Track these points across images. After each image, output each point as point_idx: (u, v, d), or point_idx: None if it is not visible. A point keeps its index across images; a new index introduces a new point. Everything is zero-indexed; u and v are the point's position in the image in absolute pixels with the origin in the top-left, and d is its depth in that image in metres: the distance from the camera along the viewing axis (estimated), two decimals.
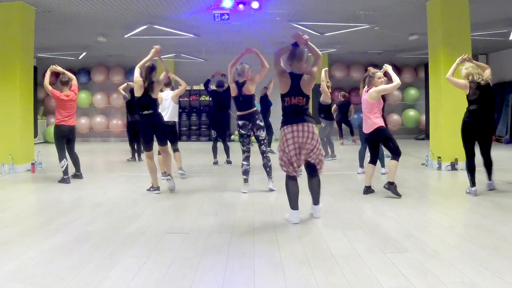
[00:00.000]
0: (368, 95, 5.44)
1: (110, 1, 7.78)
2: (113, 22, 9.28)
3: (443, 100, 7.67)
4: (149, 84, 5.68)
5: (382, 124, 5.48)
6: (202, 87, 14.97)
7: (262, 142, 5.89)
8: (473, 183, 5.45)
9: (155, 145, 5.91)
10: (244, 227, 4.15)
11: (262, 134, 5.88)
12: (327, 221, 4.33)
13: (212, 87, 8.58)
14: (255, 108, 5.90)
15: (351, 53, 14.52)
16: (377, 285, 2.72)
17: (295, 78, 4.28)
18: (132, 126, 9.26)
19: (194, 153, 11.16)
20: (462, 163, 7.45)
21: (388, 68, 5.67)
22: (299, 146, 4.21)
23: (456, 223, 4.24)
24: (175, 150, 7.15)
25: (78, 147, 7.17)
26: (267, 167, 5.88)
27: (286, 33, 9.67)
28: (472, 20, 7.81)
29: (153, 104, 5.78)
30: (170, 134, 6.91)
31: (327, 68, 8.66)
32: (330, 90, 8.83)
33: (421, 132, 14.72)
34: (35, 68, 10.45)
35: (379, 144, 5.68)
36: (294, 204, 4.30)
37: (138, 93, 5.68)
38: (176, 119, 7.29)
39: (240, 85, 5.83)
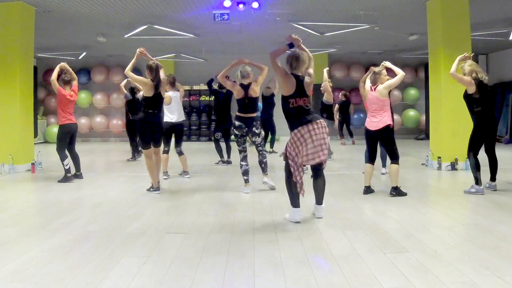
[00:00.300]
0: (378, 93, 5.45)
1: (110, 1, 7.78)
2: (113, 22, 9.28)
3: (443, 100, 7.67)
4: (158, 83, 5.73)
5: (392, 123, 5.49)
6: (202, 87, 15.01)
7: (259, 145, 5.98)
8: (480, 182, 5.47)
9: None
10: (244, 227, 4.15)
11: (258, 139, 5.93)
12: (327, 221, 4.33)
13: (214, 86, 8.57)
14: (256, 114, 5.92)
15: (351, 53, 14.51)
16: (377, 285, 2.72)
17: (299, 80, 4.31)
18: (133, 126, 9.29)
19: (194, 153, 11.16)
20: (462, 163, 7.47)
21: (388, 63, 5.72)
22: (319, 144, 4.21)
23: (456, 223, 4.24)
24: (181, 153, 7.14)
25: (78, 147, 7.18)
26: (263, 163, 5.94)
27: (286, 33, 9.66)
28: (472, 20, 7.81)
29: (161, 103, 5.87)
30: (179, 134, 7.10)
31: (328, 68, 8.67)
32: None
33: (421, 132, 14.73)
34: (35, 68, 10.47)
35: (378, 143, 5.67)
36: (296, 202, 4.32)
37: (149, 93, 5.69)
38: (184, 119, 7.32)
39: (246, 88, 5.84)
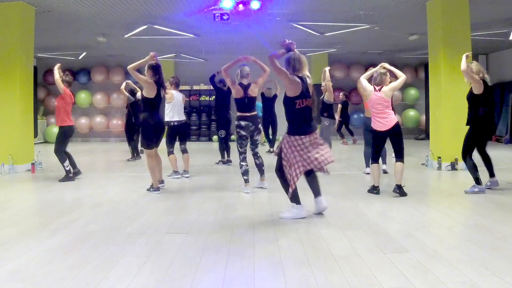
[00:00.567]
0: (384, 94, 5.49)
1: (110, 1, 7.78)
2: (113, 22, 9.28)
3: (443, 100, 7.67)
4: (162, 84, 5.79)
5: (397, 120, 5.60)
6: (202, 87, 15.04)
7: (257, 145, 6.05)
8: (481, 181, 5.48)
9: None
10: (244, 227, 4.15)
11: (258, 138, 6.05)
12: (327, 221, 4.33)
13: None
14: (256, 112, 5.98)
15: (351, 53, 14.51)
16: (377, 285, 2.73)
17: (304, 81, 4.37)
18: (133, 127, 9.33)
19: (194, 153, 11.14)
20: (462, 163, 7.43)
21: (386, 65, 5.78)
22: (320, 147, 4.35)
23: (456, 223, 4.24)
24: (185, 151, 7.23)
25: (78, 147, 7.21)
26: (263, 166, 6.02)
27: (286, 33, 9.67)
28: (472, 20, 7.81)
29: (160, 103, 5.89)
30: (185, 134, 7.28)
31: (329, 67, 8.68)
32: None
33: (421, 132, 14.73)
34: (35, 68, 10.47)
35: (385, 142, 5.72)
36: (298, 199, 4.41)
37: (151, 94, 5.67)
38: (184, 118, 7.37)
39: (245, 87, 5.86)
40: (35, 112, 10.99)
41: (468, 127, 5.64)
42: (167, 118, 6.93)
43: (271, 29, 9.92)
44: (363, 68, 14.23)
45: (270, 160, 9.19)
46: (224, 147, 8.65)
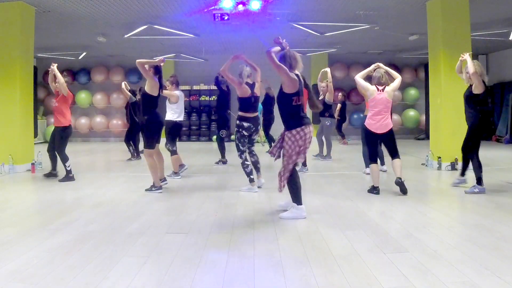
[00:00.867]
0: (388, 95, 5.57)
1: (110, 1, 7.78)
2: (113, 22, 9.28)
3: (443, 100, 7.67)
4: (161, 83, 5.87)
5: None
6: (202, 87, 15.04)
7: (253, 143, 6.11)
8: (482, 182, 5.50)
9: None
10: (244, 227, 4.15)
11: (256, 137, 6.11)
12: (327, 221, 4.33)
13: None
14: (257, 113, 6.05)
15: (351, 53, 14.51)
16: (377, 285, 2.73)
17: (300, 79, 4.43)
18: (134, 127, 9.36)
19: (194, 153, 11.16)
20: (462, 163, 7.45)
21: (382, 65, 5.87)
22: (307, 147, 4.44)
23: (456, 223, 4.24)
24: (174, 152, 7.13)
25: (78, 147, 7.20)
26: (258, 164, 6.11)
27: (286, 33, 9.68)
28: (472, 20, 7.81)
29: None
30: (180, 133, 7.34)
31: (329, 68, 8.72)
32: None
33: (421, 132, 14.73)
34: (35, 68, 10.46)
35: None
36: (300, 200, 4.45)
37: (155, 92, 5.81)
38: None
39: (251, 86, 5.88)
40: (35, 112, 10.99)
41: (467, 126, 5.65)
42: (173, 117, 7.01)
43: (271, 29, 9.92)
44: (363, 68, 14.14)
45: (269, 160, 9.20)
46: (223, 146, 8.66)
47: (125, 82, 9.30)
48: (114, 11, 8.42)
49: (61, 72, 6.98)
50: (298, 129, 4.33)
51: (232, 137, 13.87)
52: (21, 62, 7.79)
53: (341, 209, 4.82)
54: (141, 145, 7.25)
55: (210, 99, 15.05)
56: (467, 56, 5.60)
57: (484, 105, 5.46)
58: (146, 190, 5.87)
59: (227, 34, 11.04)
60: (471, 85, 5.56)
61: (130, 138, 9.58)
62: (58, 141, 6.79)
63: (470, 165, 5.70)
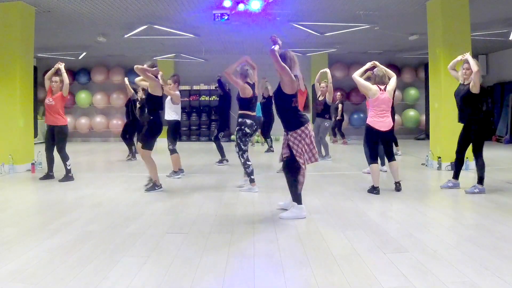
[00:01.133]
0: (389, 94, 5.64)
1: (110, 1, 7.78)
2: (113, 22, 9.28)
3: (443, 100, 7.67)
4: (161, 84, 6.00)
5: None
6: (202, 87, 15.04)
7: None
8: (483, 181, 5.50)
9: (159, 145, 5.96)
10: (244, 227, 4.15)
11: (253, 137, 6.06)
12: (327, 221, 4.33)
13: (220, 90, 8.59)
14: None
15: (351, 53, 14.51)
16: (377, 285, 2.73)
17: (297, 80, 4.42)
18: (133, 125, 9.38)
19: (194, 153, 11.16)
20: (466, 165, 7.42)
21: (378, 63, 5.98)
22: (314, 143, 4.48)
23: (456, 223, 4.24)
24: (174, 152, 7.19)
25: (78, 147, 7.21)
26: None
27: (287, 33, 9.68)
28: (472, 20, 7.81)
29: None
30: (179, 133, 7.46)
31: (328, 69, 8.73)
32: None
33: (421, 132, 14.73)
34: (35, 68, 10.45)
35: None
36: (300, 199, 4.47)
37: (159, 92, 5.91)
38: None
39: (253, 87, 5.91)
40: (35, 112, 10.98)
41: (464, 126, 5.65)
42: (176, 116, 7.18)
43: (271, 29, 9.92)
44: None
45: (269, 160, 9.21)
46: (222, 146, 8.68)
47: (126, 79, 9.30)
48: (114, 11, 8.42)
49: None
50: (303, 128, 4.34)
51: (232, 137, 13.93)
52: (21, 62, 7.79)
53: (341, 209, 4.82)
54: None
55: (210, 99, 15.04)
56: (468, 56, 5.60)
57: (482, 105, 5.49)
58: (146, 190, 5.86)
59: (227, 34, 11.03)
60: (464, 84, 5.55)
61: (127, 135, 9.57)
62: (61, 140, 6.82)
63: (463, 166, 5.75)
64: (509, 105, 13.37)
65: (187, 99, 15.08)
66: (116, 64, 15.01)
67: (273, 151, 10.44)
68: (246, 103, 5.84)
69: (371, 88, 5.63)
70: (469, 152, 5.80)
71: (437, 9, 7.75)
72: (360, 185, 6.20)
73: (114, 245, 3.59)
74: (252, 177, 5.84)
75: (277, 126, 9.42)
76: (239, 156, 5.80)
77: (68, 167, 6.77)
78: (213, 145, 8.82)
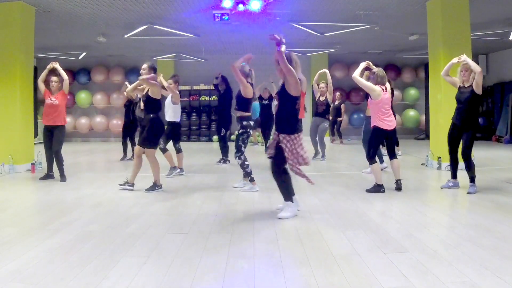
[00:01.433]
0: (389, 94, 5.71)
1: (110, 1, 7.78)
2: (113, 22, 9.28)
3: (443, 100, 7.66)
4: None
5: None
6: (202, 87, 15.04)
7: None
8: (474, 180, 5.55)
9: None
10: (244, 227, 4.15)
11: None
12: (327, 221, 4.33)
13: (223, 86, 8.56)
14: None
15: (351, 53, 14.50)
16: (377, 285, 2.73)
17: (301, 83, 4.44)
18: (133, 125, 9.41)
19: (194, 153, 11.16)
20: (462, 163, 7.41)
21: (370, 63, 6.09)
22: (302, 148, 4.46)
23: (456, 223, 4.24)
24: (180, 150, 7.45)
25: (78, 147, 7.21)
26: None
27: (287, 33, 9.66)
28: (472, 20, 7.81)
29: None
30: (179, 132, 7.64)
31: (327, 70, 8.74)
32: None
33: (421, 132, 14.73)
34: (35, 68, 10.45)
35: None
36: (292, 197, 4.49)
37: (159, 94, 5.96)
38: None
39: (253, 87, 5.93)
40: (35, 112, 10.98)
41: (458, 127, 5.66)
42: (175, 118, 7.25)
43: (271, 29, 9.91)
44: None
45: (268, 160, 9.19)
46: (226, 145, 8.64)
47: (127, 83, 9.30)
48: (114, 11, 8.42)
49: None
50: (296, 135, 4.35)
51: (232, 137, 13.91)
52: (21, 62, 7.79)
53: (341, 209, 4.82)
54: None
55: (210, 99, 15.04)
56: (465, 57, 5.60)
57: (480, 106, 5.53)
58: (146, 190, 5.87)
59: (227, 34, 11.03)
60: (465, 87, 5.55)
61: (127, 135, 9.58)
62: (60, 142, 6.82)
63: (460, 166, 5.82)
64: (509, 105, 13.36)
65: (187, 99, 15.08)
66: (116, 64, 15.01)
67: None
68: (246, 103, 5.85)
69: (375, 89, 5.61)
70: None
71: (437, 9, 7.75)
72: (360, 185, 6.20)
73: (114, 245, 3.59)
74: (252, 176, 5.85)
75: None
76: (237, 158, 5.79)
77: (63, 168, 6.80)
78: (213, 145, 8.81)
